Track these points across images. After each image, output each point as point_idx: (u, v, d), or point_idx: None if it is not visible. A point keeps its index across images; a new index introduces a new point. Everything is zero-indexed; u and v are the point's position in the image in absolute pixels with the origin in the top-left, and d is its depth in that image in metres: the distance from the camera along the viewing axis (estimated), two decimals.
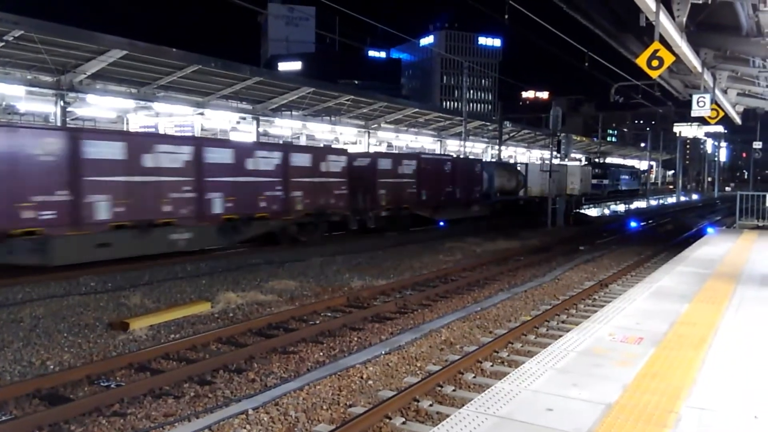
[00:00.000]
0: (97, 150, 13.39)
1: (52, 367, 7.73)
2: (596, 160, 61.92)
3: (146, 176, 14.31)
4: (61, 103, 19.98)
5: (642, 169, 72.52)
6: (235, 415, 6.23)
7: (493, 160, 40.41)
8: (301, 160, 18.99)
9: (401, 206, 23.56)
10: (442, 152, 41.93)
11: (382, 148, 39.40)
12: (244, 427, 6.01)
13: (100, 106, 22.83)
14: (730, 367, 5.44)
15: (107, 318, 9.87)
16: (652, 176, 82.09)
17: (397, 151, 35.88)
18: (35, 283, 12.08)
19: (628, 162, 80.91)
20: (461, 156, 36.60)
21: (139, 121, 25.65)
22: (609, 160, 75.86)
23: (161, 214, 14.67)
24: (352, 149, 28.76)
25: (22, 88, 19.34)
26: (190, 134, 24.98)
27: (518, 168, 32.86)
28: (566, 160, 36.73)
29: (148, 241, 14.50)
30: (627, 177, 62.30)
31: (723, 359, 5.65)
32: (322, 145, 33.12)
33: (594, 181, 48.47)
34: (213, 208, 16.01)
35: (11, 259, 12.16)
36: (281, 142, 30.96)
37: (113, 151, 13.73)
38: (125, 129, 25.41)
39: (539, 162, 39.01)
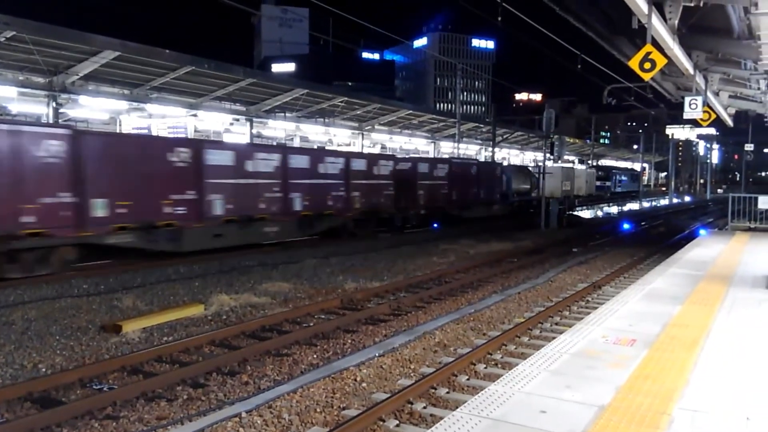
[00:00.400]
0: (214, 157, 16.44)
1: (44, 370, 7.69)
2: (598, 163, 63.63)
3: (248, 179, 17.47)
4: (54, 104, 19.90)
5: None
6: (229, 418, 6.21)
7: (513, 164, 44.06)
8: (359, 165, 22.15)
9: (436, 205, 26.38)
10: (436, 154, 41.99)
11: (376, 150, 39.39)
12: (238, 430, 6.00)
13: (92, 108, 22.73)
14: (723, 368, 5.46)
15: (100, 320, 9.83)
16: (645, 178, 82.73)
17: (431, 156, 37.95)
18: (27, 286, 12.02)
19: (627, 164, 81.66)
20: (484, 160, 39.31)
21: (131, 122, 25.55)
22: (609, 162, 76.81)
23: (258, 210, 17.81)
24: (356, 150, 29.29)
25: (14, 89, 19.23)
26: (183, 134, 24.93)
27: (531, 171, 35.02)
28: (560, 161, 37.07)
29: (248, 232, 17.58)
30: (626, 179, 66.34)
31: (715, 361, 5.67)
32: (337, 148, 34.16)
33: (598, 183, 53.20)
34: (294, 206, 19.15)
35: (153, 245, 14.96)
36: (316, 146, 32.29)
37: (225, 158, 16.77)
38: (118, 130, 25.31)
39: (537, 164, 40.82)
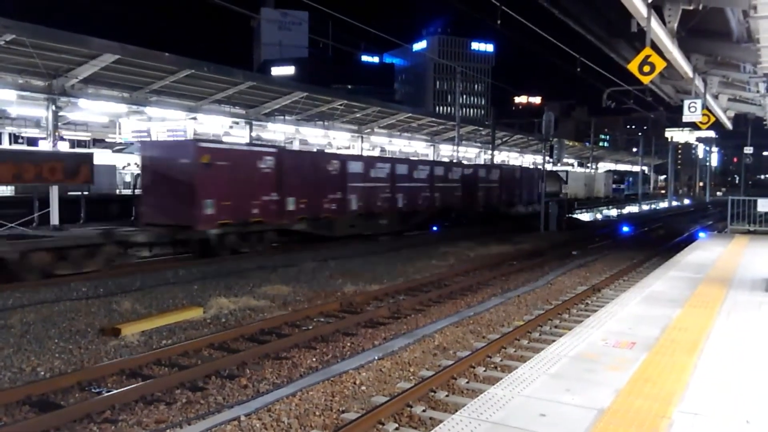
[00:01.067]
0: (353, 167, 21.91)
1: (42, 373, 7.67)
2: (597, 166, 66.80)
3: (371, 183, 22.80)
4: (53, 107, 19.89)
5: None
6: (228, 422, 6.20)
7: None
8: (439, 170, 27.35)
9: (490, 204, 31.33)
10: (436, 158, 42.04)
11: (376, 153, 39.43)
12: None
13: (92, 111, 22.74)
14: (723, 371, 5.45)
15: (98, 324, 9.81)
16: (651, 181, 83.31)
17: (486, 163, 41.54)
18: (26, 289, 12.00)
19: (635, 168, 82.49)
20: (522, 166, 44.58)
21: (131, 125, 25.55)
22: (612, 166, 77.90)
23: (377, 207, 23.14)
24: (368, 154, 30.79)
25: (13, 92, 19.24)
26: (182, 137, 24.94)
27: (560, 175, 40.59)
28: (559, 164, 37.34)
29: (370, 224, 22.86)
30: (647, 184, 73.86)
31: (715, 364, 5.66)
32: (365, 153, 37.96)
33: (614, 186, 60.59)
34: (398, 204, 24.32)
35: (317, 231, 20.25)
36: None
37: (358, 167, 22.22)
38: (118, 133, 25.34)
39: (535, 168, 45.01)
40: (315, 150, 31.59)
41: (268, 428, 6.14)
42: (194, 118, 25.43)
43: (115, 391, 6.92)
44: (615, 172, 66.48)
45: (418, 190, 25.52)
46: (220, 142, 22.88)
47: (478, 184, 30.03)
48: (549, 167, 33.41)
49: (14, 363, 7.94)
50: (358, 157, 24.72)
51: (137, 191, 17.87)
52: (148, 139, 24.10)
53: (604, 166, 76.75)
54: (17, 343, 8.73)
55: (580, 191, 48.15)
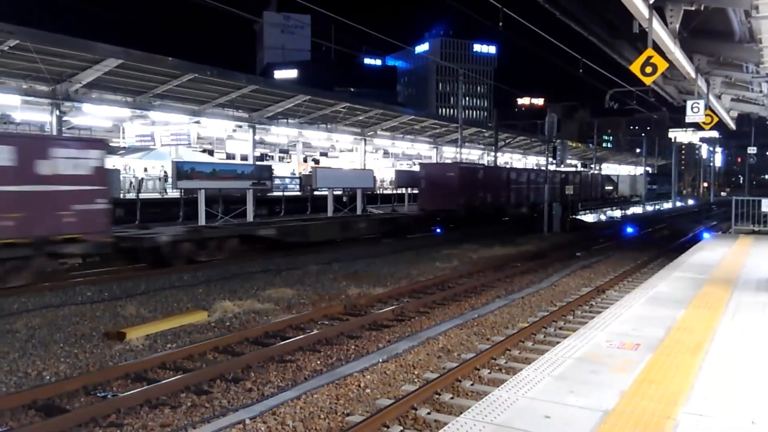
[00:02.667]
0: (512, 175, 32.94)
1: (48, 377, 7.69)
2: (600, 168, 70.31)
3: (515, 185, 33.80)
4: (57, 112, 19.97)
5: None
6: (232, 425, 6.21)
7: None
8: (516, 174, 35.29)
9: (573, 200, 37.96)
10: (439, 159, 42.08)
11: (379, 156, 39.45)
12: None
13: (95, 115, 22.84)
14: (728, 372, 5.44)
15: (103, 328, 9.84)
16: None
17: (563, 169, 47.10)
18: (31, 293, 12.04)
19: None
20: (583, 171, 53.43)
21: (134, 129, 25.64)
22: (614, 167, 79.63)
23: (516, 201, 34.10)
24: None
25: (17, 97, 19.33)
26: (186, 141, 25.07)
27: (612, 178, 54.64)
28: (562, 166, 37.45)
29: (516, 212, 33.83)
30: (666, 182, 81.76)
31: (720, 365, 5.66)
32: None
33: (648, 186, 69.62)
34: (510, 200, 33.61)
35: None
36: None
37: (514, 174, 33.05)
38: (121, 137, 25.44)
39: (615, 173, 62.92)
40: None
41: (273, 431, 6.15)
42: (197, 122, 25.50)
43: (121, 395, 6.95)
44: (648, 174, 75.78)
45: (520, 190, 34.75)
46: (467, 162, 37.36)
47: (564, 184, 36.94)
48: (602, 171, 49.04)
49: (20, 367, 7.97)
50: (516, 169, 38.95)
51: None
52: (427, 161, 39.86)
53: (607, 168, 76.83)
54: (23, 347, 8.76)
55: (627, 190, 63.91)
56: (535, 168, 46.15)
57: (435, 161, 41.70)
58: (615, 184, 57.47)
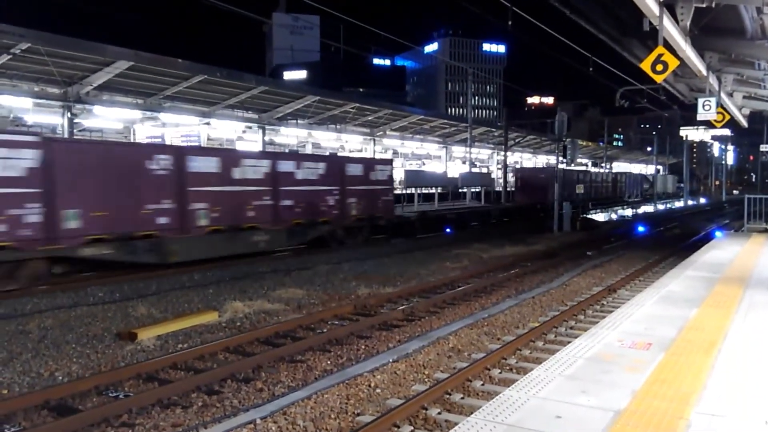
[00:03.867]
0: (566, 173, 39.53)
1: (60, 378, 7.75)
2: (611, 166, 72.75)
3: (593, 183, 45.90)
4: (69, 114, 20.09)
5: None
6: (243, 425, 6.23)
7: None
8: (597, 176, 46.28)
9: (618, 195, 52.87)
10: (448, 159, 42.02)
11: (388, 156, 39.45)
12: None
13: (107, 117, 22.94)
14: (740, 372, 5.39)
15: (115, 328, 9.90)
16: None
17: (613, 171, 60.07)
18: (43, 294, 12.13)
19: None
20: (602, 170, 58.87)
21: (145, 131, 25.76)
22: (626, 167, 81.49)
23: (591, 195, 44.20)
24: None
25: (29, 100, 19.45)
26: (197, 142, 25.16)
27: (648, 178, 64.62)
28: (572, 165, 37.41)
29: (594, 203, 43.60)
30: (693, 181, 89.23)
31: (733, 364, 5.61)
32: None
33: (677, 185, 79.05)
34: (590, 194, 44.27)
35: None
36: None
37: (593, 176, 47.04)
38: (132, 139, 25.60)
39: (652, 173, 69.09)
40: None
41: (284, 431, 6.15)
42: (207, 123, 25.58)
43: (133, 395, 6.99)
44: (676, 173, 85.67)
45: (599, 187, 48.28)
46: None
47: (615, 182, 53.20)
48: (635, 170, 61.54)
49: (33, 368, 8.03)
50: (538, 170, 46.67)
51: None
52: (519, 166, 49.43)
53: (618, 166, 76.58)
54: (35, 348, 8.83)
55: (661, 188, 69.66)
56: (599, 171, 57.76)
57: (529, 166, 54.18)
58: (650, 183, 66.02)
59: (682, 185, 79.10)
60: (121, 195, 14.11)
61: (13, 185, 12.18)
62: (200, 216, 15.99)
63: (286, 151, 30.88)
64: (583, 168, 54.64)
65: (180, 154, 15.83)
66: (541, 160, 57.89)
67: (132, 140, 26.33)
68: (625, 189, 55.54)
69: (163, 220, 15.04)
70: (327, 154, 30.66)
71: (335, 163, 21.74)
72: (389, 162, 25.72)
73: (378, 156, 35.25)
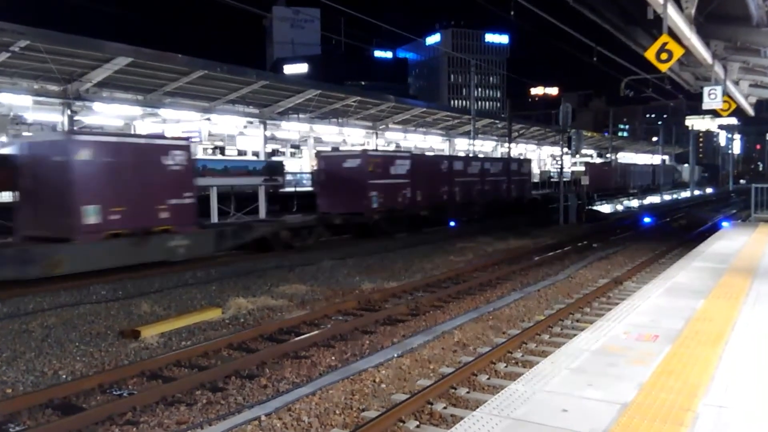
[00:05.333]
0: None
1: (64, 376, 7.73)
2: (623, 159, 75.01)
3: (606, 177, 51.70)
4: (68, 111, 20.09)
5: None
6: (248, 422, 6.20)
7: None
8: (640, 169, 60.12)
9: (654, 186, 61.01)
10: (451, 152, 41.94)
11: (391, 149, 39.41)
12: None
13: (107, 114, 22.95)
14: (749, 363, 5.33)
15: (118, 326, 9.88)
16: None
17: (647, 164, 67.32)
18: (45, 293, 12.11)
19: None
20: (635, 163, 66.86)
21: (146, 127, 25.74)
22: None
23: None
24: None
25: (29, 97, 19.46)
26: (198, 138, 25.14)
27: (678, 168, 75.31)
28: (577, 156, 37.29)
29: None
30: (713, 170, 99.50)
31: (741, 356, 5.54)
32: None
33: (701, 174, 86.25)
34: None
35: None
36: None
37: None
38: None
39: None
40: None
41: (289, 428, 6.12)
42: (208, 119, 25.55)
43: (136, 393, 6.96)
44: (701, 164, 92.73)
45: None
46: None
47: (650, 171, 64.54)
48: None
49: (36, 366, 8.02)
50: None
51: None
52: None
53: (623, 156, 76.49)
54: (39, 346, 8.82)
55: (687, 178, 75.40)
56: (642, 164, 68.32)
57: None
58: (680, 173, 75.60)
59: (706, 174, 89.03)
60: None
61: None
62: None
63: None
64: (630, 161, 66.37)
65: None
66: (546, 152, 57.79)
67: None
68: (661, 178, 65.10)
69: None
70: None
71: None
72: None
73: (381, 149, 35.24)
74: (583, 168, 48.88)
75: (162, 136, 19.99)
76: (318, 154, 24.36)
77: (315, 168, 23.61)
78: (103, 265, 13.36)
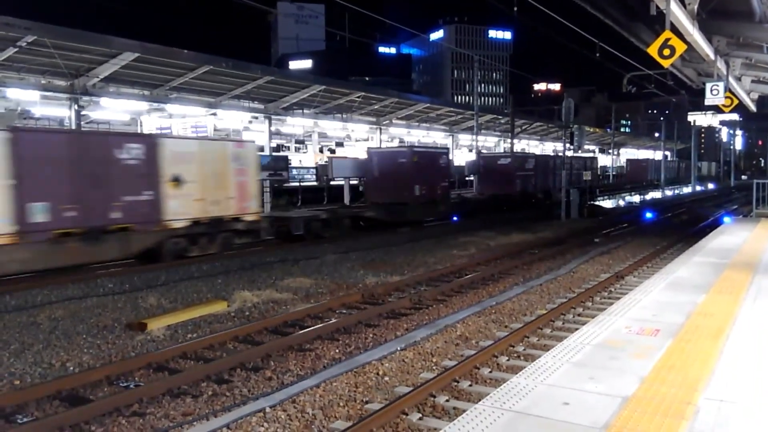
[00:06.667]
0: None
1: (71, 368, 7.82)
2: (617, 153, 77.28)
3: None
4: (75, 106, 20.14)
5: None
6: (253, 414, 6.28)
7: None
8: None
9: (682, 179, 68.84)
10: (455, 147, 41.95)
11: (395, 144, 39.46)
12: (262, 425, 6.05)
13: (113, 109, 23.00)
14: (749, 357, 5.39)
15: (125, 319, 9.97)
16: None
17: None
18: (53, 286, 12.22)
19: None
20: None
21: (152, 122, 25.82)
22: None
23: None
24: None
25: (36, 92, 19.51)
26: (204, 132, 25.23)
27: (699, 164, 76.48)
28: (579, 151, 37.25)
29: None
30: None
31: (741, 350, 5.60)
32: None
33: (718, 169, 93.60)
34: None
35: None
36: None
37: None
38: (139, 131, 25.66)
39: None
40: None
41: (293, 419, 6.20)
42: (214, 114, 25.60)
43: (143, 385, 7.05)
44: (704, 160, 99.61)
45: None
46: None
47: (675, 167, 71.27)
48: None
49: (44, 358, 8.11)
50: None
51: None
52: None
53: (625, 152, 76.44)
54: (46, 338, 8.91)
55: (706, 172, 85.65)
56: (677, 160, 75.53)
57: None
58: (699, 168, 78.64)
59: (725, 168, 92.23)
60: None
61: None
62: None
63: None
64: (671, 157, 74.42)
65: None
66: (549, 147, 57.76)
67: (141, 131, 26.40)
68: (684, 172, 72.87)
69: None
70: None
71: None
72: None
73: (385, 144, 35.25)
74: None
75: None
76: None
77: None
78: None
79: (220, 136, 28.31)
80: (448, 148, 35.60)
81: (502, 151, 46.32)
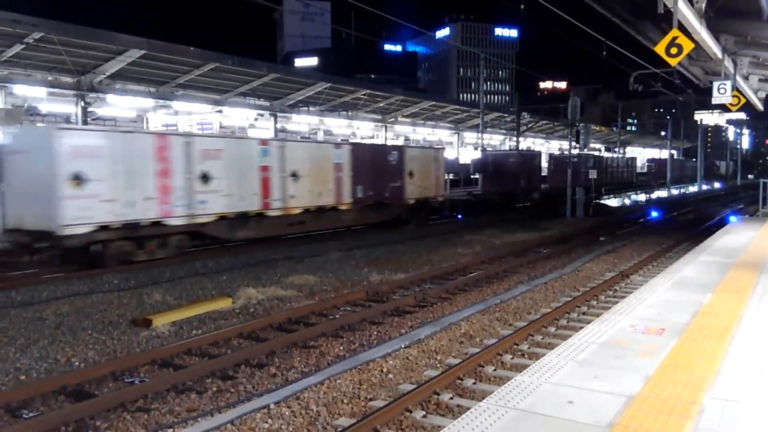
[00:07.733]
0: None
1: (77, 363, 7.85)
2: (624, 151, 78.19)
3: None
4: (82, 103, 20.22)
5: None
6: (257, 410, 6.29)
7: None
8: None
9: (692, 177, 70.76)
10: (460, 145, 41.87)
11: (400, 142, 39.47)
12: (266, 422, 6.06)
13: (120, 106, 23.07)
14: (754, 357, 5.37)
15: (130, 315, 10.01)
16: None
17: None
18: (59, 282, 12.27)
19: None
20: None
21: (158, 119, 25.88)
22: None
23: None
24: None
25: (43, 89, 19.59)
26: (210, 129, 25.27)
27: (717, 163, 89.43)
28: (585, 150, 37.19)
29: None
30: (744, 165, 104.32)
31: (747, 350, 5.58)
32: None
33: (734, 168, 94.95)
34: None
35: None
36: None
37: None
38: (145, 128, 25.71)
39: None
40: None
41: (297, 416, 6.21)
42: (220, 111, 25.65)
43: (148, 381, 7.07)
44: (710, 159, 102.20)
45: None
46: None
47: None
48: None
49: (50, 354, 8.14)
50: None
51: None
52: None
53: (631, 151, 76.31)
54: (52, 334, 8.95)
55: (723, 171, 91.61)
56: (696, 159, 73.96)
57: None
58: (717, 166, 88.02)
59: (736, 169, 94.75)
60: None
61: None
62: None
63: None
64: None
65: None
66: (554, 146, 57.66)
67: (146, 129, 26.47)
68: (704, 171, 72.29)
69: None
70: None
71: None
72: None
73: (390, 143, 35.27)
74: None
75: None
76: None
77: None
78: None
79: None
80: (540, 153, 40.87)
81: (507, 149, 46.22)
